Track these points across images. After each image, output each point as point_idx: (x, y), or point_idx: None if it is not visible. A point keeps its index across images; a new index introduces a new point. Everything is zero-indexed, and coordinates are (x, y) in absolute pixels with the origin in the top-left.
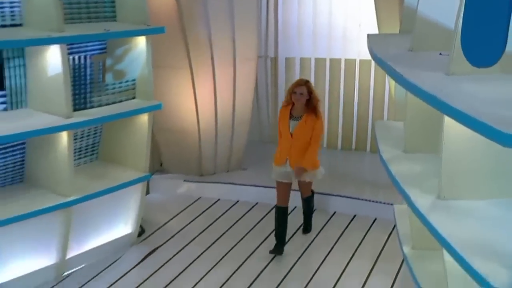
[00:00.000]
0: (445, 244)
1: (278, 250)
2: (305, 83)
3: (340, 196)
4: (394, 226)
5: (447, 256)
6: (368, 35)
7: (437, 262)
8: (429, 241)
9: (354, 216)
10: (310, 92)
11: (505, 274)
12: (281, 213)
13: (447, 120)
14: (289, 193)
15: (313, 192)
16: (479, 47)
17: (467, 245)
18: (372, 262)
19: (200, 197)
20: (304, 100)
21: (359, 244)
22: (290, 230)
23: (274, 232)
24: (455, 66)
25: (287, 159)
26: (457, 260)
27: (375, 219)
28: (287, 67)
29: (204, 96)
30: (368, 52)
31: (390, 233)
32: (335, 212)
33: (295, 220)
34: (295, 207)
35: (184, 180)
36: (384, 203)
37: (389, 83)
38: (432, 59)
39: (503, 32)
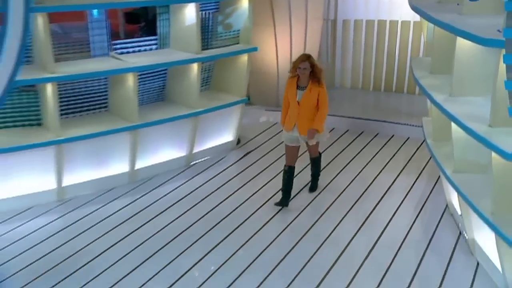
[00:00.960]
0: (452, 118)
1: (284, 202)
2: (307, 58)
3: (382, 121)
4: (423, 141)
5: (454, 127)
6: None
7: (448, 146)
8: (444, 133)
9: (392, 136)
10: (312, 65)
11: (485, 127)
12: (289, 172)
13: (459, 40)
14: (297, 155)
15: (320, 154)
16: None
17: (467, 117)
18: (404, 164)
19: (276, 122)
20: (307, 72)
21: (395, 153)
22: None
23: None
24: (465, 8)
25: (295, 125)
26: (459, 126)
27: (408, 138)
28: (343, 28)
29: (283, 47)
30: (408, 14)
31: (419, 147)
32: (377, 134)
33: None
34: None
35: (265, 110)
36: (415, 125)
37: (423, 31)
38: (452, 8)
39: None
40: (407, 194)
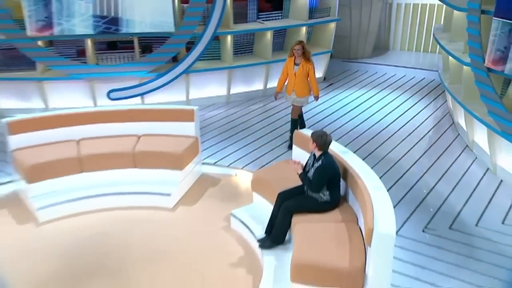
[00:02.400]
0: (462, 62)
1: (290, 144)
2: (300, 43)
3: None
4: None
5: (465, 69)
6: None
7: (457, 85)
8: (456, 78)
9: (423, 78)
10: (303, 48)
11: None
12: (293, 122)
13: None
14: (297, 110)
15: (300, 115)
16: None
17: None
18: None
19: (349, 69)
20: (300, 53)
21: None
22: None
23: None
24: None
25: (293, 90)
26: (459, 61)
27: (423, 78)
28: (397, 10)
29: (355, 20)
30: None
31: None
32: (414, 76)
33: None
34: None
35: (342, 61)
36: (433, 70)
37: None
38: None
39: None
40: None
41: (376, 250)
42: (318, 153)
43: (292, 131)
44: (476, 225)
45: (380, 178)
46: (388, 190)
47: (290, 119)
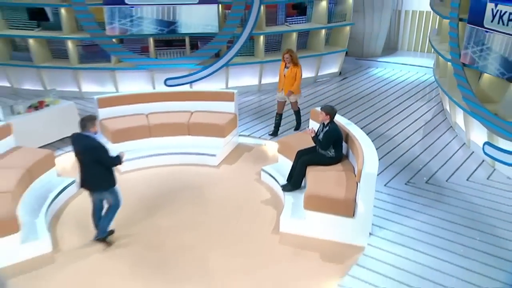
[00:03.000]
0: (446, 59)
1: (274, 133)
2: (288, 51)
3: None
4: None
5: (449, 65)
6: None
7: (445, 79)
8: (444, 71)
9: (416, 72)
10: (291, 55)
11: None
12: (278, 117)
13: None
14: (282, 107)
15: (299, 109)
16: None
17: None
18: (420, 89)
19: (361, 66)
20: (289, 60)
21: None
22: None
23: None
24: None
25: (282, 89)
26: (445, 59)
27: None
28: (405, 16)
29: (368, 24)
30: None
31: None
32: (409, 71)
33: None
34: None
35: (356, 59)
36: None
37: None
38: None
39: None
40: (426, 103)
41: (363, 184)
42: (326, 122)
43: (276, 123)
44: (447, 181)
45: (377, 149)
46: (383, 157)
47: (302, 107)
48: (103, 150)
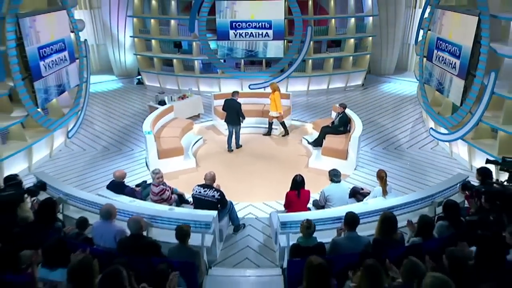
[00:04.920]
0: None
1: (268, 133)
2: (273, 87)
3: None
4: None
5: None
6: None
7: (431, 94)
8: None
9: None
10: (272, 88)
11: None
12: (269, 123)
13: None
14: (270, 118)
15: (283, 121)
16: None
17: None
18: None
19: (379, 81)
20: (272, 90)
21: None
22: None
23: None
24: None
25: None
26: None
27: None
28: (413, 47)
29: (384, 53)
30: None
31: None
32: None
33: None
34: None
35: (374, 75)
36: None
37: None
38: None
39: None
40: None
41: (352, 141)
42: (341, 112)
43: (268, 127)
44: (407, 148)
45: (374, 131)
46: (376, 134)
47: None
48: (240, 108)
